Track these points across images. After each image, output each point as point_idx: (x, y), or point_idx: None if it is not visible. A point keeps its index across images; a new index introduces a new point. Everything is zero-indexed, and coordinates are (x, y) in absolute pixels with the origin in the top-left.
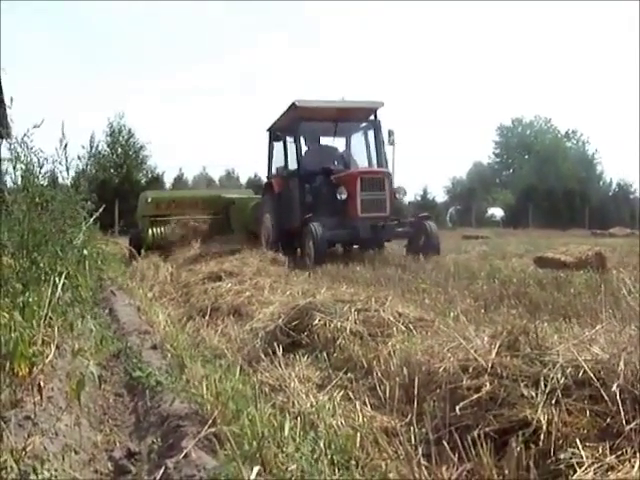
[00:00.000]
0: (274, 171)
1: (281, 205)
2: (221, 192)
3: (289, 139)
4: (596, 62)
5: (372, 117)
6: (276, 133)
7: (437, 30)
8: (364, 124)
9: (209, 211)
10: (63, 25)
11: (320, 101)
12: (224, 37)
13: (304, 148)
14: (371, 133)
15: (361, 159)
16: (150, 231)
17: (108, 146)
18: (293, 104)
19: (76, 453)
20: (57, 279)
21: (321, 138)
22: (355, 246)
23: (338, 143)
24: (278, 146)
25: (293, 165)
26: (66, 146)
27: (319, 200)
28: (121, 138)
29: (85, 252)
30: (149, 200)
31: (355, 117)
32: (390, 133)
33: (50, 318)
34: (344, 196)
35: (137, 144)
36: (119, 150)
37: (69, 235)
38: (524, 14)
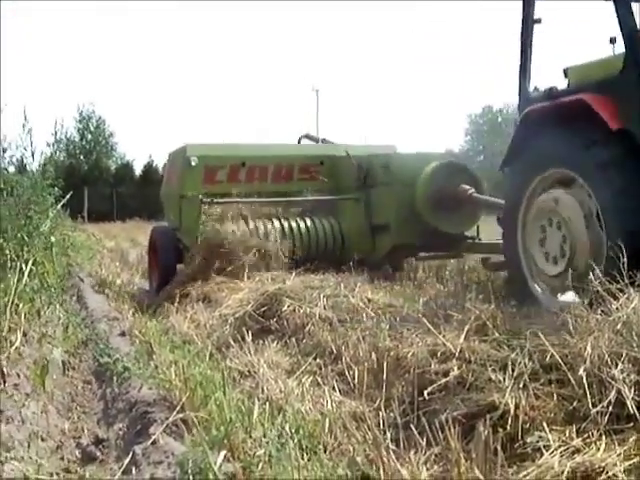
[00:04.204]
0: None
1: None
2: (342, 147)
3: None
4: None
5: None
6: None
7: (413, 16)
8: None
9: (320, 187)
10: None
11: None
12: None
13: None
14: None
15: None
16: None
17: (78, 132)
18: None
19: (43, 440)
20: (23, 266)
21: None
22: None
23: None
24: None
25: None
26: (30, 131)
27: None
28: (91, 125)
29: (52, 239)
30: (194, 163)
31: None
32: None
33: (16, 305)
34: None
35: (107, 131)
36: (89, 137)
37: (35, 221)
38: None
